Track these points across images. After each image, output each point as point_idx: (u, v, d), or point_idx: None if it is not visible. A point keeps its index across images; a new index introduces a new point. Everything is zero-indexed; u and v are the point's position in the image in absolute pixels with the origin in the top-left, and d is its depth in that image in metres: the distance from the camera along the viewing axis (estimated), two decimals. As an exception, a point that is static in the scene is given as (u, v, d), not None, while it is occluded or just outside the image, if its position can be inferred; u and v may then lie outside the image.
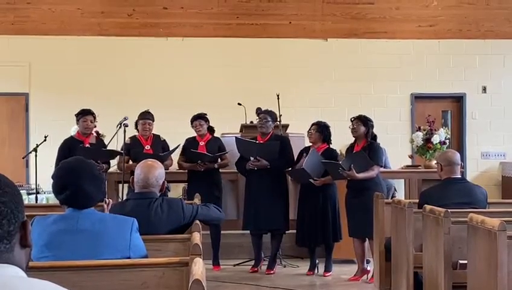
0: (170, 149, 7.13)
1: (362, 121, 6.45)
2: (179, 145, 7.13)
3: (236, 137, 7.09)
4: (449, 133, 8.69)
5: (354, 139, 6.61)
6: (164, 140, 7.22)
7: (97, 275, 2.46)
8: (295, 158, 6.89)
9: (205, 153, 6.96)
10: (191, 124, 7.19)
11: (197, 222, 3.34)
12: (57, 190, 2.75)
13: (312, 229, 6.69)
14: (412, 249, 4.68)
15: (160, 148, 7.04)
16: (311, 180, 6.53)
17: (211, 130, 7.27)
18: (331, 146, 6.88)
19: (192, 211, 3.49)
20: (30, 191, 8.43)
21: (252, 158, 6.78)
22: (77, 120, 6.89)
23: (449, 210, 4.01)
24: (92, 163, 2.86)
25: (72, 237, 2.66)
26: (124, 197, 7.23)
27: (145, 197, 3.41)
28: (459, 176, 4.90)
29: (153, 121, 7.11)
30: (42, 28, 10.24)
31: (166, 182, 3.64)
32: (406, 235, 4.71)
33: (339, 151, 6.94)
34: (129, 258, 2.70)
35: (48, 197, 8.47)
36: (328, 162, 6.43)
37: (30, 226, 1.39)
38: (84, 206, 2.74)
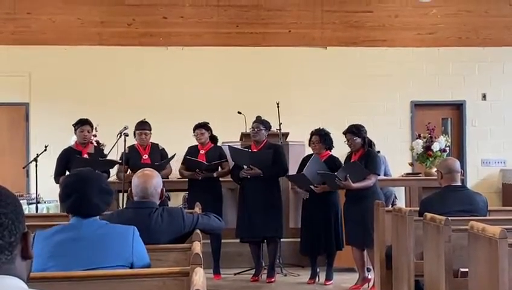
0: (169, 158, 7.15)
1: (355, 134, 6.39)
2: (175, 154, 7.13)
3: (229, 146, 7.14)
4: (449, 140, 8.69)
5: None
6: (163, 148, 7.23)
7: (98, 285, 2.46)
8: (297, 166, 6.89)
9: (201, 161, 6.98)
10: (193, 132, 7.22)
11: (198, 231, 3.34)
12: (63, 196, 2.78)
13: (315, 237, 6.69)
14: (413, 257, 4.67)
15: (159, 157, 7.06)
16: (312, 186, 6.54)
17: (213, 139, 7.28)
18: (334, 153, 6.89)
19: (192, 220, 3.49)
20: (30, 201, 8.41)
21: (245, 166, 6.81)
22: (75, 130, 6.91)
23: (449, 218, 4.00)
24: (103, 175, 2.88)
25: (75, 244, 2.67)
26: (123, 206, 7.26)
27: (145, 207, 3.41)
28: (460, 184, 4.90)
29: (150, 130, 7.14)
30: (42, 38, 10.27)
31: (165, 189, 3.64)
32: (406, 243, 4.70)
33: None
34: (132, 264, 2.70)
35: (48, 207, 8.46)
36: (324, 173, 6.43)
37: (31, 238, 1.40)
38: (87, 215, 2.74)
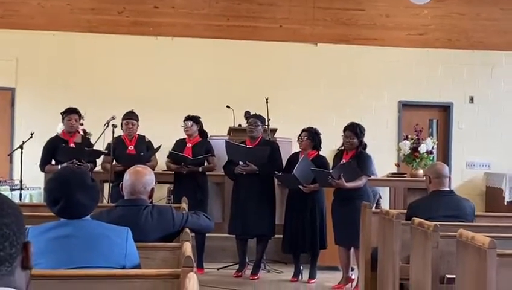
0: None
1: (356, 134, 6.36)
2: (160, 146, 7.06)
3: (226, 140, 7.06)
4: (436, 142, 8.73)
5: (341, 144, 6.58)
6: (149, 141, 7.16)
7: (87, 284, 2.42)
8: (284, 165, 6.86)
9: (185, 156, 6.93)
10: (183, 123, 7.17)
11: (187, 230, 3.31)
12: (50, 203, 2.73)
13: (299, 236, 6.67)
14: (399, 261, 4.68)
15: (145, 149, 7.02)
16: (301, 186, 6.52)
17: (203, 133, 7.23)
18: (321, 153, 6.87)
19: (182, 219, 3.46)
20: (13, 187, 8.31)
21: (241, 162, 6.76)
22: (62, 119, 6.84)
23: (437, 223, 4.01)
24: (83, 172, 2.83)
25: (67, 242, 2.62)
26: (109, 197, 7.21)
27: (134, 205, 3.37)
28: (448, 189, 4.91)
29: (137, 121, 7.08)
30: (31, 22, 10.14)
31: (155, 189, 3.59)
32: (393, 247, 4.70)
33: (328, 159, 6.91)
34: (124, 267, 2.67)
35: (31, 193, 8.36)
36: (318, 170, 6.41)
37: (32, 248, 1.36)
38: (79, 217, 2.70)
